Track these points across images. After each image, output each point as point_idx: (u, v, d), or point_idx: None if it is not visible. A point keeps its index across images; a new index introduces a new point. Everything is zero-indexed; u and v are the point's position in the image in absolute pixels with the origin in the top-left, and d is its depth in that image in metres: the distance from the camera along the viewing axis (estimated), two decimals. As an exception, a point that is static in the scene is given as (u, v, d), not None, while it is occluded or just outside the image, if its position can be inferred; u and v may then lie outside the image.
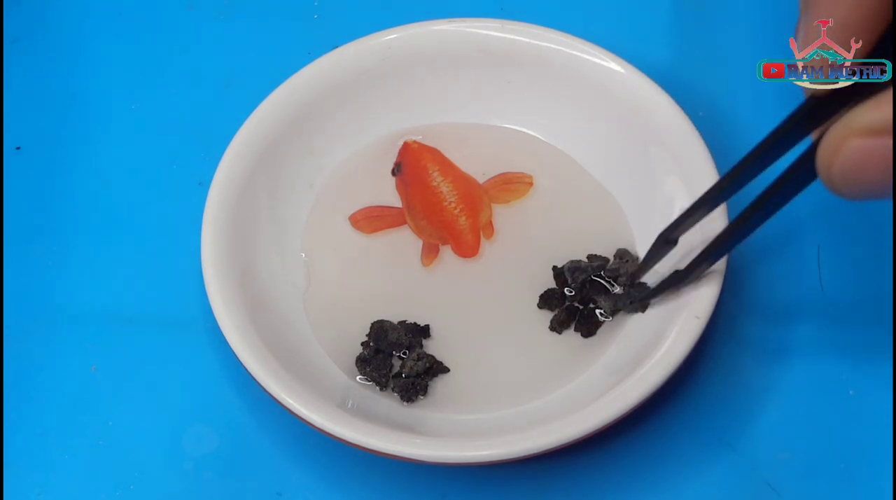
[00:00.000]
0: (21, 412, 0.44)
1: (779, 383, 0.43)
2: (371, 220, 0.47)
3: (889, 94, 0.30)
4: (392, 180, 0.48)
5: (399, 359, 0.43)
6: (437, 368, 0.43)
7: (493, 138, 0.49)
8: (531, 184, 0.47)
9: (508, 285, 0.45)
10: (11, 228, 0.49)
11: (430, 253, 0.46)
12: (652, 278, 0.43)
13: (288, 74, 0.47)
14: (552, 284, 0.44)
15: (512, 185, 0.47)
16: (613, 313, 0.43)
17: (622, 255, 0.44)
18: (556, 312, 0.44)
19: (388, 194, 0.48)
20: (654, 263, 0.42)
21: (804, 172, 0.33)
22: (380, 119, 0.49)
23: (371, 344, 0.43)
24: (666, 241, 0.41)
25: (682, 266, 0.41)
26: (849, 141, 0.31)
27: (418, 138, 0.48)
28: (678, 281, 0.41)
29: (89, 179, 0.50)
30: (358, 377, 0.43)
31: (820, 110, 0.33)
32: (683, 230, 0.41)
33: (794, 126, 0.34)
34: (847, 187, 0.32)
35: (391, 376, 0.43)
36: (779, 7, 0.51)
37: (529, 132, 0.48)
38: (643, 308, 0.43)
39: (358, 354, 0.43)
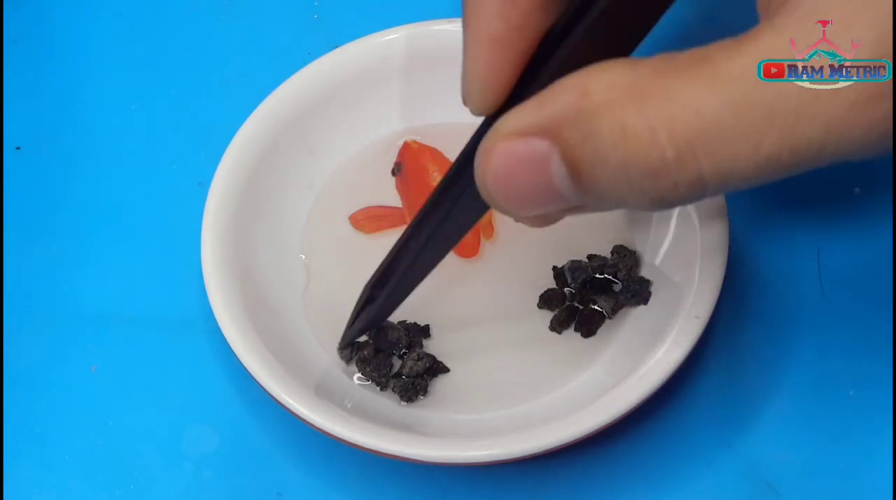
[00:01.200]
0: (21, 412, 0.44)
1: (779, 383, 0.43)
2: (371, 220, 0.47)
3: (537, 97, 0.29)
4: (392, 180, 0.48)
5: (399, 359, 0.43)
6: (437, 368, 0.43)
7: (493, 138, 0.49)
8: (531, 184, 0.47)
9: (508, 285, 0.45)
10: (11, 228, 0.49)
11: (430, 253, 0.46)
12: (648, 270, 0.43)
13: (288, 74, 0.47)
14: (552, 284, 0.44)
15: (512, 185, 0.47)
16: (615, 310, 0.43)
17: (619, 250, 0.44)
18: (556, 312, 0.44)
19: (388, 194, 0.47)
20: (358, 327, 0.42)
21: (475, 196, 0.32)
22: (380, 119, 0.49)
23: (371, 344, 0.43)
24: (368, 299, 0.41)
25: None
26: (495, 147, 0.30)
27: (418, 138, 0.48)
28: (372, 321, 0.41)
29: (89, 179, 0.50)
30: (358, 377, 0.43)
31: None
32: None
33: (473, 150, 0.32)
34: (500, 198, 0.31)
35: (391, 376, 0.43)
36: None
37: (529, 132, 0.48)
38: (645, 301, 0.43)
39: (358, 354, 0.43)
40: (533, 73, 0.33)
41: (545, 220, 0.34)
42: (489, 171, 0.31)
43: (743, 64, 0.28)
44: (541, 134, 0.29)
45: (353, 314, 0.42)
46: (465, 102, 0.34)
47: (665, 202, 0.29)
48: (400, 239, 0.40)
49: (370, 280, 0.41)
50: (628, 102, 0.28)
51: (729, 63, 0.28)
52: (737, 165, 0.28)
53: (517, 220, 0.34)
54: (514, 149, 0.30)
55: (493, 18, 0.32)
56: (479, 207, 0.35)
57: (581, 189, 0.30)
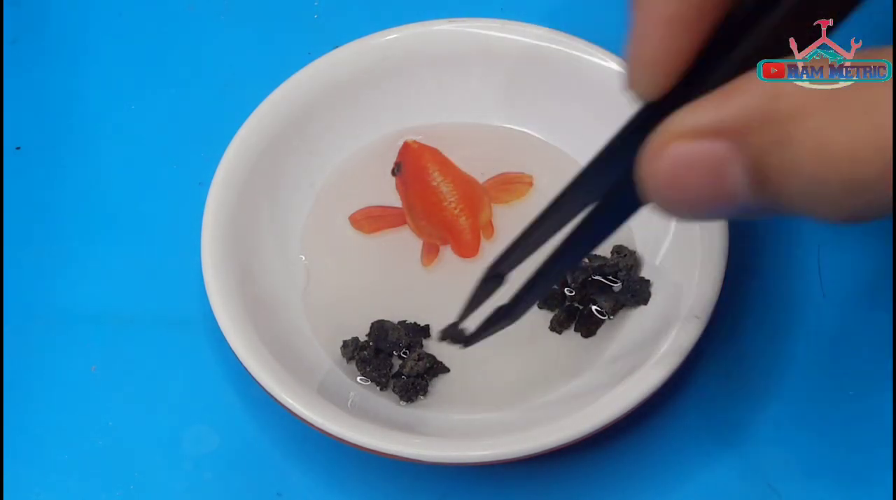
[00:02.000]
0: (21, 412, 0.44)
1: (779, 382, 0.43)
2: (371, 220, 0.47)
3: (717, 94, 0.27)
4: (392, 180, 0.48)
5: (399, 359, 0.43)
6: (437, 368, 0.43)
7: (493, 138, 0.49)
8: (531, 184, 0.47)
9: (508, 285, 0.45)
10: (11, 228, 0.49)
11: (430, 253, 0.46)
12: (648, 270, 0.43)
13: (288, 74, 0.47)
14: (552, 284, 0.44)
15: (512, 185, 0.47)
16: (615, 310, 0.43)
17: (619, 250, 0.44)
18: (556, 312, 0.44)
19: (388, 194, 0.48)
20: (479, 303, 0.37)
21: (629, 192, 0.29)
22: (380, 119, 0.49)
23: (371, 344, 0.43)
24: (492, 276, 0.36)
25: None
26: (668, 147, 0.27)
27: (418, 138, 0.48)
28: (504, 317, 0.36)
29: (89, 179, 0.50)
30: (358, 378, 0.43)
31: (657, 117, 0.28)
32: (512, 266, 0.36)
33: (630, 136, 0.30)
34: (668, 202, 0.28)
35: (391, 376, 0.43)
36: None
37: (529, 132, 0.48)
38: (644, 301, 0.43)
39: (359, 354, 0.43)
40: (713, 59, 0.29)
41: (705, 220, 0.31)
42: (658, 172, 0.28)
43: None
44: (722, 136, 0.27)
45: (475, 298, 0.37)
46: (628, 86, 0.31)
47: (860, 218, 0.26)
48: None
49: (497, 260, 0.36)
50: (828, 109, 0.26)
51: None
52: None
53: (676, 218, 0.31)
54: (690, 150, 0.27)
55: None
56: (629, 205, 0.31)
57: (765, 198, 0.27)
